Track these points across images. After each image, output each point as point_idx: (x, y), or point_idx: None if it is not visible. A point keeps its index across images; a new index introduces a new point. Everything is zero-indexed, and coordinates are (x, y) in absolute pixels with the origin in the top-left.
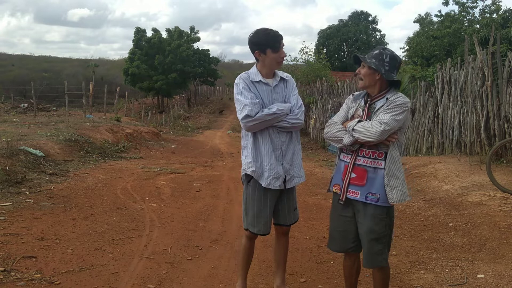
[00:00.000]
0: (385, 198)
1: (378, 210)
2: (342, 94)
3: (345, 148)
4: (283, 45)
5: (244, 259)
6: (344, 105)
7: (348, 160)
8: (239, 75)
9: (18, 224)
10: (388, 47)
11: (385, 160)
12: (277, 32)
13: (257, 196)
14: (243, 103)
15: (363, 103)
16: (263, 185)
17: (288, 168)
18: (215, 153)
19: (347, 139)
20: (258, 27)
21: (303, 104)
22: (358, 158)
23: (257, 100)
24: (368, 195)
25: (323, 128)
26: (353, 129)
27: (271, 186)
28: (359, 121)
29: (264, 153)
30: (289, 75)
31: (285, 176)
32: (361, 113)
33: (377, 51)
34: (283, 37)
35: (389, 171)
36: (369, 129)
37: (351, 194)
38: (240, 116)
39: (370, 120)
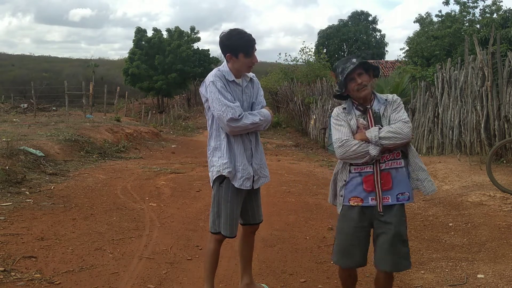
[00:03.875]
0: (412, 195)
1: (401, 211)
2: None
3: (369, 160)
4: (256, 50)
5: (212, 265)
6: (338, 121)
7: (370, 170)
8: (213, 73)
9: (18, 224)
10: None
11: (403, 158)
12: (251, 36)
13: (230, 198)
14: (225, 104)
15: (359, 113)
16: (236, 185)
17: (257, 168)
18: None
19: (374, 151)
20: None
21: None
22: (380, 164)
23: (238, 103)
24: (398, 196)
25: (324, 128)
26: (379, 138)
27: (243, 186)
28: (379, 128)
29: (237, 153)
30: (254, 75)
31: (254, 176)
32: (365, 122)
33: (363, 59)
34: (283, 36)
35: (415, 165)
36: (399, 131)
37: (383, 201)
38: (223, 117)
39: (379, 125)
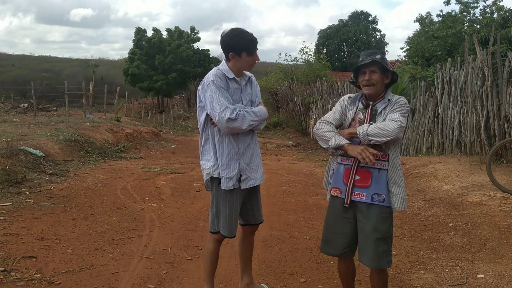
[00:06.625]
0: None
1: (382, 209)
2: (342, 94)
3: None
4: (257, 49)
5: (212, 265)
6: (338, 106)
7: (350, 163)
8: (213, 72)
9: (18, 224)
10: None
11: (388, 161)
12: (253, 35)
13: (229, 198)
14: (224, 104)
15: (361, 106)
16: (222, 187)
17: (245, 167)
18: None
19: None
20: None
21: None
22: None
23: (236, 104)
24: (374, 196)
25: None
26: (367, 134)
27: (225, 187)
28: (369, 125)
29: (222, 153)
30: (252, 74)
31: (241, 176)
32: (362, 117)
33: (379, 56)
34: (284, 36)
35: (391, 179)
36: (386, 128)
37: (355, 196)
38: (222, 117)
39: (372, 122)
